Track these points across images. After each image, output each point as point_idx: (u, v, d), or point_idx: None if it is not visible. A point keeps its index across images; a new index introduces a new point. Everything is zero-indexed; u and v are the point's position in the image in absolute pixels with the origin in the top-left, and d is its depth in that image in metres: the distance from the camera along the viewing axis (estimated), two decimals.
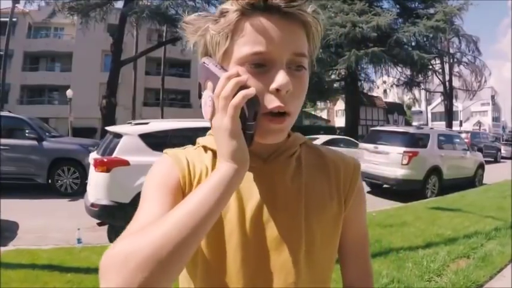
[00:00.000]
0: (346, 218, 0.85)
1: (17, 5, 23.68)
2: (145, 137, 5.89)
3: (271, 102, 0.70)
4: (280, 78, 0.68)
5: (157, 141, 5.96)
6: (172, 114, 33.25)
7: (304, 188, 0.80)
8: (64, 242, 5.59)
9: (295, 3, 0.69)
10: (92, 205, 5.68)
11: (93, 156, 6.28)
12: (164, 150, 0.85)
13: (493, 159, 25.73)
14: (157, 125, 6.40)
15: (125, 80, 26.99)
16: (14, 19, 26.91)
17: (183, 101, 42.61)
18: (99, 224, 6.21)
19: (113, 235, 6.16)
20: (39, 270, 4.16)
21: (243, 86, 0.66)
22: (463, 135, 17.64)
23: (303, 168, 0.82)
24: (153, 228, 0.59)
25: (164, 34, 26.41)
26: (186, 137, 6.49)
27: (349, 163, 0.88)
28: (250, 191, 0.78)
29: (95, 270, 4.04)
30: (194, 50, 0.79)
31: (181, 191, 0.76)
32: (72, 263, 4.39)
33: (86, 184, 8.90)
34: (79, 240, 5.17)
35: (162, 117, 29.22)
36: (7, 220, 6.66)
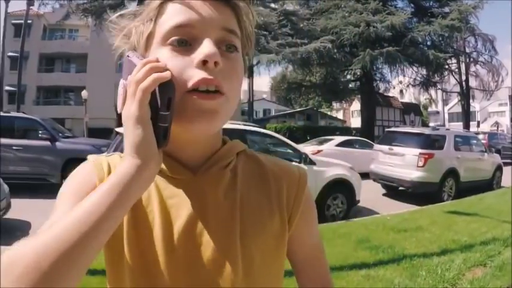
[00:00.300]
0: (294, 235, 0.76)
1: (31, 7, 23.92)
2: None
3: (196, 75, 0.61)
4: (206, 47, 0.60)
5: None
6: None
7: (240, 203, 0.70)
8: None
9: None
10: None
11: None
12: (88, 156, 0.77)
13: (511, 161, 25.22)
14: None
15: None
16: (29, 21, 27.18)
17: None
18: None
19: None
20: None
21: (159, 72, 0.58)
22: (480, 137, 17.30)
23: (238, 181, 0.72)
24: (40, 234, 0.52)
25: None
26: None
27: (293, 173, 0.77)
28: (178, 207, 0.67)
29: (100, 273, 4.03)
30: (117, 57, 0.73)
31: None
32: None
33: None
34: None
35: None
36: (19, 220, 6.78)
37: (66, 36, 38.91)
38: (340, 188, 7.52)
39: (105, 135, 25.40)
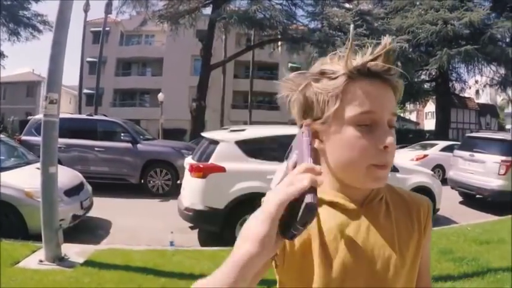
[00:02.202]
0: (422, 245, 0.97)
1: (109, 15, 25.35)
2: (242, 144, 5.97)
3: (378, 159, 0.81)
4: (390, 137, 0.80)
5: (253, 148, 6.08)
6: (259, 116, 33.86)
7: (396, 226, 0.91)
8: (156, 242, 5.84)
9: (392, 71, 0.83)
10: (186, 209, 5.86)
11: (189, 161, 6.46)
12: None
13: None
14: (253, 132, 6.45)
15: (214, 83, 27.85)
16: (107, 28, 28.82)
17: (271, 103, 43.07)
18: (192, 228, 6.43)
19: (204, 239, 6.39)
20: (133, 272, 4.34)
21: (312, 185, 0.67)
22: None
23: (391, 210, 0.93)
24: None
25: (252, 38, 26.81)
26: (283, 144, 6.51)
27: (424, 203, 0.99)
28: (353, 230, 0.87)
29: (188, 276, 4.25)
30: (289, 106, 0.90)
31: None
32: (166, 267, 4.53)
33: (177, 185, 9.30)
34: (172, 243, 5.34)
35: (250, 119, 29.74)
36: (101, 218, 7.09)
37: (142, 41, 40.57)
38: None
39: (179, 136, 26.38)
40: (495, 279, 4.41)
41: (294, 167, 0.73)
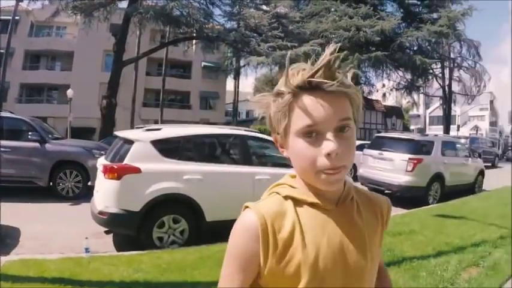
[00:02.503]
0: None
1: (20, 3, 23.54)
2: (158, 144, 5.75)
3: (324, 165, 0.88)
4: (330, 145, 0.87)
5: (169, 148, 5.90)
6: (171, 115, 33.33)
7: (366, 223, 1.01)
8: (69, 249, 5.43)
9: (334, 82, 0.87)
10: (101, 213, 5.52)
11: (102, 162, 6.11)
12: (249, 206, 0.96)
13: (490, 165, 25.79)
14: (169, 131, 6.21)
15: (125, 80, 26.92)
16: (17, 17, 26.75)
17: (183, 102, 42.62)
18: (107, 232, 6.14)
19: (120, 243, 6.11)
20: (49, 283, 3.93)
21: None
22: (462, 141, 17.67)
23: (361, 209, 1.02)
24: None
25: (167, 35, 26.34)
26: (199, 144, 6.39)
27: (385, 202, 1.11)
28: (330, 227, 0.96)
29: (108, 284, 4.03)
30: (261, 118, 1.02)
31: (258, 264, 0.91)
32: (83, 276, 4.20)
33: (88, 188, 8.84)
34: (87, 250, 4.94)
35: (162, 118, 29.15)
36: (8, 226, 6.33)
37: (53, 33, 38.30)
38: None
39: (88, 135, 25.26)
40: (411, 267, 4.70)
41: None
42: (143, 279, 4.04)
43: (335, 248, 0.94)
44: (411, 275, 4.46)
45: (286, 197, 0.97)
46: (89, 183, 9.29)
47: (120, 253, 5.31)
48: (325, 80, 0.86)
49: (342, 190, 0.99)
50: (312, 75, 0.87)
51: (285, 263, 0.90)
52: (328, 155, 0.86)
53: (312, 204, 0.95)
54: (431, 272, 4.54)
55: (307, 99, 0.88)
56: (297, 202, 0.95)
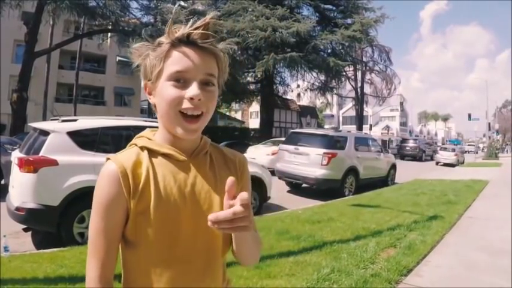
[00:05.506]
0: (241, 188, 1.16)
1: None
2: (74, 135, 5.48)
3: (186, 106, 0.99)
4: (193, 90, 0.98)
5: (86, 140, 5.63)
6: (85, 111, 31.65)
7: (219, 175, 1.11)
8: None
9: (208, 40, 1.01)
10: (17, 209, 5.12)
11: (17, 155, 5.69)
12: (108, 158, 1.04)
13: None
14: (86, 122, 5.91)
15: (37, 73, 25.16)
16: None
17: (97, 98, 40.79)
18: (26, 230, 5.64)
19: (40, 241, 5.75)
20: None
21: None
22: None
23: (214, 162, 1.14)
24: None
25: (82, 26, 25.04)
26: (116, 136, 6.12)
27: (239, 155, 1.23)
28: (182, 178, 1.06)
29: (32, 281, 3.72)
30: (136, 70, 1.07)
31: (125, 203, 1.00)
32: (5, 275, 3.90)
33: (2, 185, 8.10)
34: (6, 248, 4.62)
35: (75, 114, 27.55)
36: None
37: None
38: (252, 185, 7.60)
39: None
40: (332, 250, 4.85)
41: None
42: (68, 274, 3.84)
43: (185, 196, 1.03)
44: (333, 257, 4.59)
45: (142, 148, 1.07)
46: (2, 182, 8.66)
47: (42, 251, 4.96)
48: (201, 37, 1.00)
49: (198, 144, 1.11)
50: (191, 32, 1.00)
51: (142, 208, 0.99)
52: (191, 99, 0.98)
53: (165, 155, 1.06)
54: (351, 254, 4.70)
55: (182, 50, 1.00)
56: (152, 153, 1.05)
